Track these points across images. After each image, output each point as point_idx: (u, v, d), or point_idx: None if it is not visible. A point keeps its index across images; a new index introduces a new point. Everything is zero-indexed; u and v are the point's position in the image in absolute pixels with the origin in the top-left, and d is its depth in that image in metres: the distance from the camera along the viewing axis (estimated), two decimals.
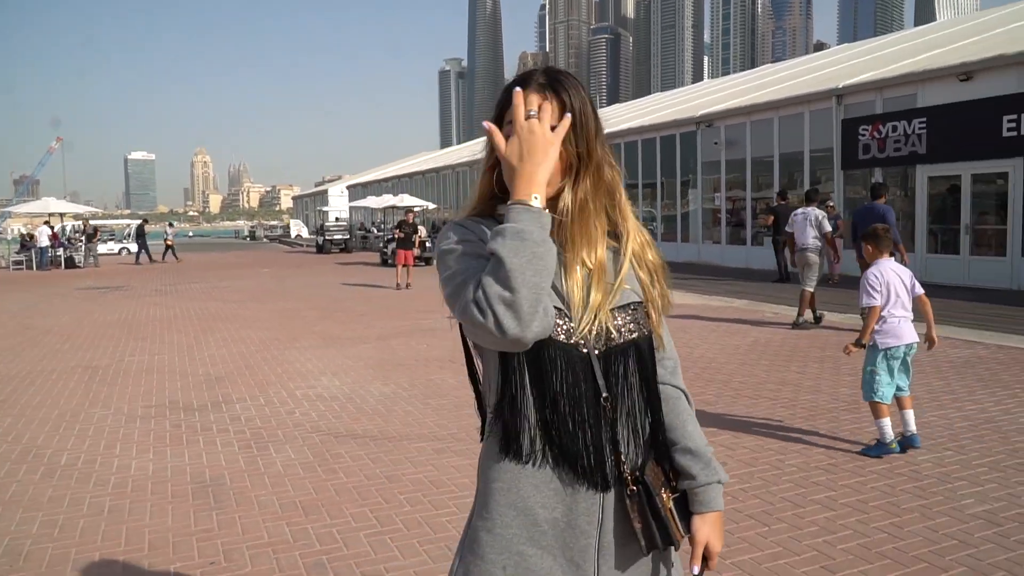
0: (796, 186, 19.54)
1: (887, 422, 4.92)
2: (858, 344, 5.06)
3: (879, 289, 5.04)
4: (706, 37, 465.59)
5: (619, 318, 1.49)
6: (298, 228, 65.62)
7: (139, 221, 34.61)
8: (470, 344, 1.54)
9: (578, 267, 1.47)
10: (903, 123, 16.18)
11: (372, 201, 36.90)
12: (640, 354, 1.50)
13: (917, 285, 5.17)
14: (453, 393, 7.01)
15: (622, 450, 1.46)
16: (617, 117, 31.49)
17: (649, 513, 1.46)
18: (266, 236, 73.55)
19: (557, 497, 1.43)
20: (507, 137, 1.41)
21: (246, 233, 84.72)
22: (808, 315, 10.29)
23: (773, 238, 16.73)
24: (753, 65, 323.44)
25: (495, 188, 1.52)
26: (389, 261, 22.41)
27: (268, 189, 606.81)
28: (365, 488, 4.63)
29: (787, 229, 11.23)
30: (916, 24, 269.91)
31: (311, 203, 77.17)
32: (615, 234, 1.54)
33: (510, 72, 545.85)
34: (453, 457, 5.16)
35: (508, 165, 1.38)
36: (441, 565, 3.52)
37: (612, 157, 1.53)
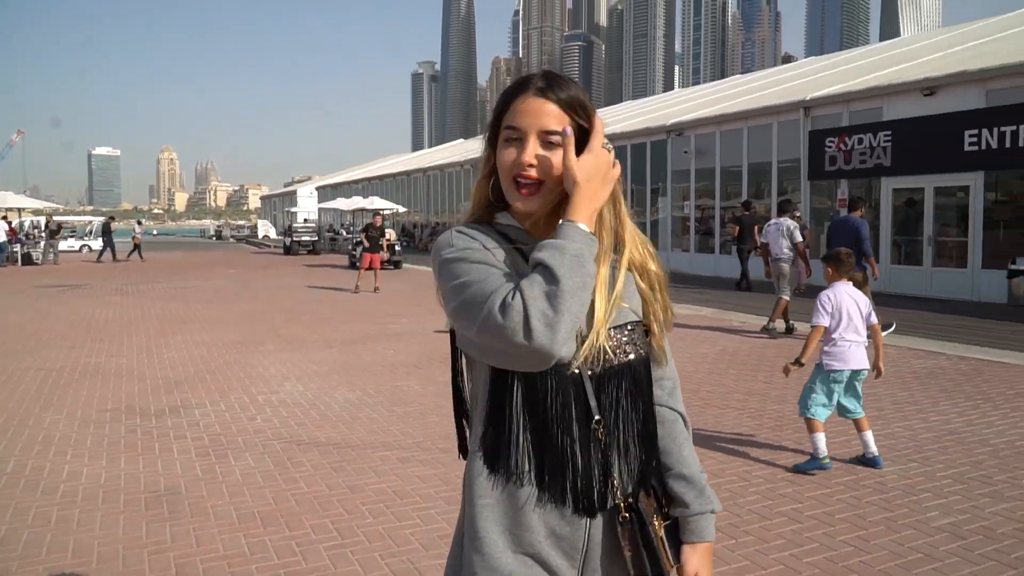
0: (764, 196, 19.74)
1: (821, 437, 4.86)
2: (796, 363, 5.04)
3: (829, 310, 5.00)
4: (677, 47, 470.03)
5: (615, 338, 1.43)
6: (266, 228, 64.89)
7: (105, 218, 33.87)
8: (461, 356, 1.49)
9: None
10: (869, 136, 16.40)
11: (341, 203, 36.61)
12: (636, 376, 1.45)
13: (873, 314, 5.12)
14: (419, 400, 6.90)
15: (614, 475, 1.41)
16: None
17: (641, 542, 1.41)
18: (233, 236, 72.61)
19: (542, 520, 1.38)
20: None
21: (212, 233, 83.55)
22: (780, 323, 10.35)
23: (737, 247, 16.89)
24: (723, 75, 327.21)
25: (491, 196, 1.48)
26: (357, 264, 22.24)
27: (236, 188, 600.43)
28: (326, 498, 4.51)
29: (761, 240, 11.31)
30: (881, 38, 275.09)
31: (280, 203, 76.44)
32: (614, 245, 1.49)
33: (483, 76, 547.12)
34: (418, 467, 5.06)
35: (571, 179, 1.34)
36: None
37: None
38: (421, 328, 11.39)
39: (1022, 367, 8.07)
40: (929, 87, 15.41)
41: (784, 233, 10.46)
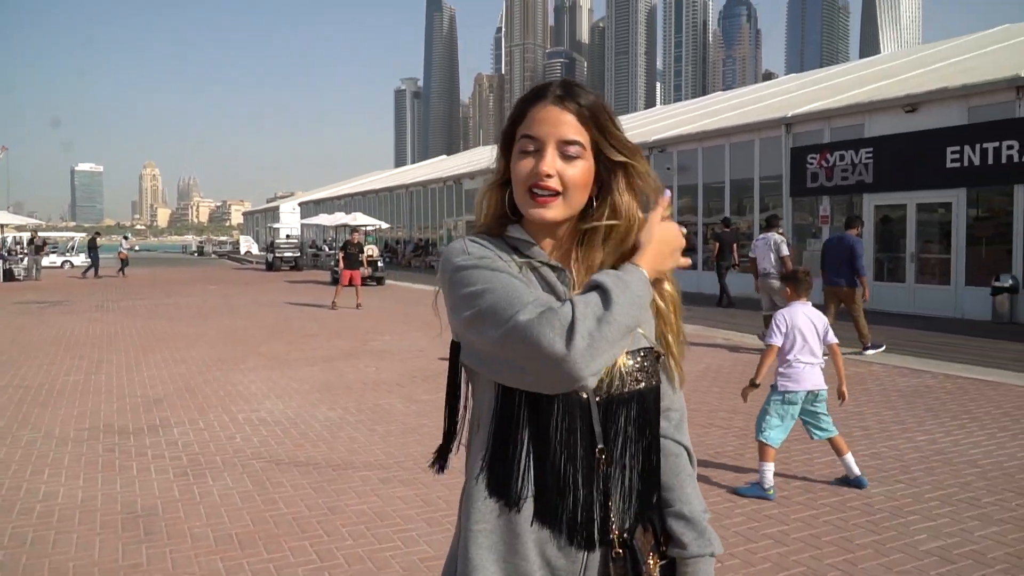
0: (746, 212, 19.83)
1: (770, 468, 4.75)
2: (752, 384, 4.97)
3: (782, 330, 4.93)
4: (659, 64, 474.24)
5: (626, 364, 1.36)
6: (248, 244, 64.60)
7: (91, 234, 33.60)
8: (462, 371, 1.43)
9: None
10: (850, 152, 16.52)
11: (324, 219, 36.46)
12: (644, 405, 1.38)
13: (830, 334, 5.03)
14: (401, 419, 6.82)
15: (612, 508, 1.34)
16: None
17: None
18: (215, 252, 72.25)
19: (539, 551, 1.32)
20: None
21: (194, 248, 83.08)
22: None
23: (716, 263, 16.95)
24: (704, 92, 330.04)
25: (506, 207, 1.41)
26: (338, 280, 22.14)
27: (218, 204, 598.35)
28: (306, 520, 4.42)
29: (750, 255, 11.37)
30: (861, 56, 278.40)
31: (262, 219, 76.10)
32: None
33: (465, 93, 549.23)
34: (399, 487, 4.98)
35: (649, 234, 1.34)
36: None
37: None
38: (404, 346, 11.30)
39: (1008, 385, 8.08)
40: (911, 104, 15.55)
41: (771, 247, 10.51)
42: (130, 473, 5.33)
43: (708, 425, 6.53)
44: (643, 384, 1.38)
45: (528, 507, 1.31)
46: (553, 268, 1.38)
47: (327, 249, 34.78)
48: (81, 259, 39.40)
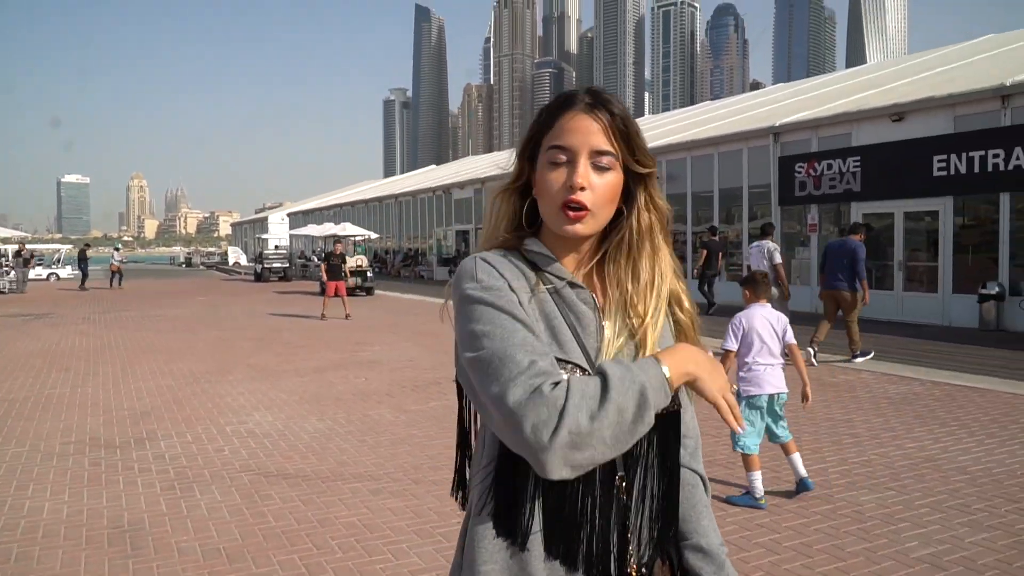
0: (734, 221, 19.90)
1: (757, 476, 4.73)
2: None
3: (738, 335, 4.93)
4: (647, 73, 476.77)
5: None
6: (236, 255, 64.32)
7: (81, 246, 33.42)
8: (467, 393, 1.35)
9: (619, 316, 1.30)
10: (838, 161, 16.61)
11: (313, 229, 36.38)
12: (664, 429, 1.27)
13: (789, 333, 4.98)
14: (391, 430, 6.78)
15: (631, 540, 1.26)
16: None
17: None
18: (203, 263, 71.91)
19: None
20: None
21: (182, 260, 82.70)
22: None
23: (702, 272, 17.00)
24: (692, 102, 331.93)
25: (522, 217, 1.34)
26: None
27: (206, 215, 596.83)
28: (295, 533, 4.38)
29: (746, 262, 11.47)
30: (848, 65, 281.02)
31: (251, 230, 75.88)
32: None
33: (454, 103, 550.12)
34: (389, 498, 4.94)
35: (702, 359, 1.23)
36: None
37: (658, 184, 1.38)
38: (393, 356, 11.26)
39: (996, 392, 8.11)
40: (897, 113, 15.66)
41: (765, 255, 10.59)
42: (116, 487, 5.27)
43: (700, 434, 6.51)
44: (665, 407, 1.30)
45: (538, 541, 1.22)
46: (573, 285, 1.31)
47: (316, 260, 34.69)
48: (68, 271, 39.14)
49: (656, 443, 1.27)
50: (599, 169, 1.26)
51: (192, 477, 5.47)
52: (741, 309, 5.24)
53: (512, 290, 1.24)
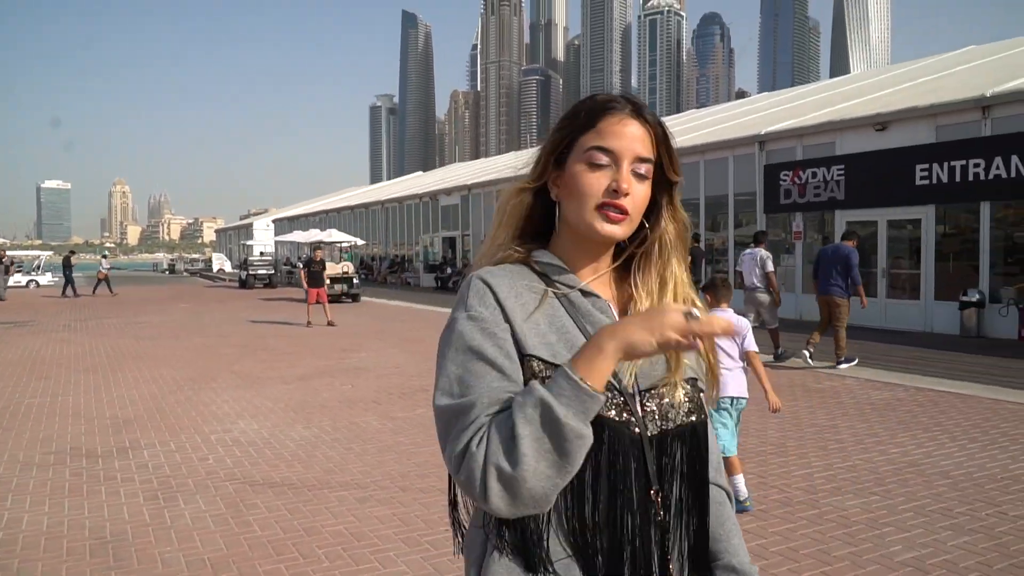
0: (720, 228, 20.00)
1: (740, 479, 4.70)
2: None
3: None
4: (633, 81, 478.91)
5: (677, 395, 1.24)
6: (220, 262, 63.93)
7: (67, 252, 33.11)
8: None
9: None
10: (822, 170, 16.74)
11: (299, 236, 36.24)
12: (695, 442, 1.23)
13: (748, 339, 4.92)
14: (377, 437, 6.76)
15: (672, 563, 1.19)
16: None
17: None
18: (186, 270, 71.45)
19: None
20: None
21: (165, 266, 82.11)
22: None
23: None
24: (679, 110, 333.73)
25: (536, 220, 1.29)
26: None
27: (190, 221, 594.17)
28: (281, 542, 4.35)
29: (737, 269, 11.55)
30: (831, 74, 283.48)
31: (235, 236, 75.56)
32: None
33: (441, 110, 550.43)
34: (376, 506, 4.92)
35: (621, 324, 1.11)
36: None
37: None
38: (379, 362, 11.23)
39: (977, 397, 8.18)
40: (881, 122, 15.81)
41: (757, 263, 10.67)
42: (98, 497, 5.21)
43: None
44: (695, 416, 1.25)
45: (571, 569, 1.14)
46: (587, 294, 1.26)
47: (301, 266, 34.60)
48: (48, 278, 38.77)
49: (688, 456, 1.22)
50: (638, 176, 1.23)
51: (176, 486, 5.42)
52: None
53: (506, 316, 1.18)
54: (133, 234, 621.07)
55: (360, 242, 37.54)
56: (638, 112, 1.25)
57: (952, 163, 14.20)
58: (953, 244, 14.87)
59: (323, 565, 4.01)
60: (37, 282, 37.93)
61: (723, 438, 4.73)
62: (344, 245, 34.41)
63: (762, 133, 18.54)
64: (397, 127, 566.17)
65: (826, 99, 21.74)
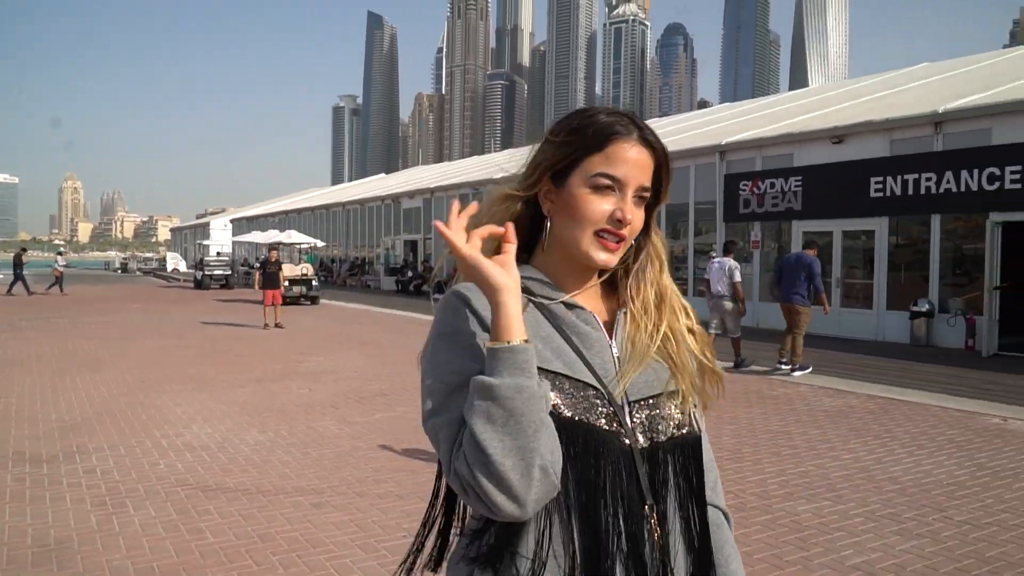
0: (680, 236, 20.20)
1: None
2: None
3: None
4: (598, 88, 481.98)
5: (668, 406, 1.22)
6: (175, 261, 62.75)
7: (17, 249, 32.20)
8: None
9: (642, 328, 1.25)
10: (781, 180, 17.02)
11: (257, 236, 35.75)
12: (689, 456, 1.21)
13: None
14: (335, 442, 6.68)
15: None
16: (511, 163, 31.86)
17: None
18: (139, 269, 69.91)
19: None
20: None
21: (117, 265, 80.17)
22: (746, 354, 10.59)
23: None
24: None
25: (521, 231, 1.23)
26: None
27: (144, 219, 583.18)
28: (234, 549, 4.27)
29: (704, 276, 11.70)
30: (791, 87, 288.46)
31: (191, 236, 74.33)
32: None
33: (405, 111, 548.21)
34: (332, 512, 4.86)
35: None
36: None
37: None
38: (338, 366, 11.12)
39: (925, 405, 8.38)
40: (837, 135, 16.13)
41: (726, 272, 10.81)
42: (42, 504, 5.07)
43: None
44: (687, 430, 1.23)
45: None
46: (571, 307, 1.24)
47: (256, 267, 34.17)
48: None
49: (683, 471, 1.20)
50: (637, 200, 1.24)
51: (125, 492, 5.30)
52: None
53: (484, 326, 1.15)
54: (84, 231, 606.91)
55: (320, 244, 37.17)
56: (644, 137, 1.23)
57: (905, 176, 14.55)
58: (905, 255, 15.23)
59: (278, 572, 3.95)
60: None
61: None
62: (303, 246, 34.04)
63: (723, 143, 18.78)
64: (360, 128, 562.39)
65: (785, 111, 22.11)
